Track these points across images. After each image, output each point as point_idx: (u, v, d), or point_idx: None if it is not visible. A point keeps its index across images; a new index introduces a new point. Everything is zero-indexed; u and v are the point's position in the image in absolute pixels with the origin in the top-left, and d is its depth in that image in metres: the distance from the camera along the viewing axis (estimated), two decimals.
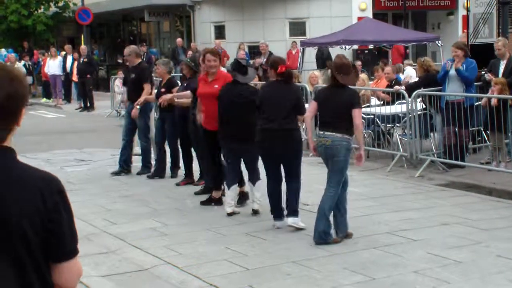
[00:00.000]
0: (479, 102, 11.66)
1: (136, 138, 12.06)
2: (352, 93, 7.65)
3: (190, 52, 24.40)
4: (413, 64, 22.39)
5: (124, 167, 11.80)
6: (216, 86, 9.03)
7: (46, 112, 24.42)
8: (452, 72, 11.43)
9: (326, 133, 7.42)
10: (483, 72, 12.30)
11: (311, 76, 15.47)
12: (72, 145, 15.58)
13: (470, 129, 11.62)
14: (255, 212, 8.73)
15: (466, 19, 15.10)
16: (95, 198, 10.08)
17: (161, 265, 6.95)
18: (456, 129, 11.24)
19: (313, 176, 10.33)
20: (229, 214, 8.68)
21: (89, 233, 8.08)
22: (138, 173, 11.71)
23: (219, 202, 9.33)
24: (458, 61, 11.39)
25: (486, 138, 12.12)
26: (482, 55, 12.75)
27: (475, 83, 11.94)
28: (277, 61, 8.31)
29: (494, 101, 10.77)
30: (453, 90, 11.45)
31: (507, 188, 10.14)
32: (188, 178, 10.82)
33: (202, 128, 9.40)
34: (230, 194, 8.77)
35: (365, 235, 7.71)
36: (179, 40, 27.66)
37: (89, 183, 11.22)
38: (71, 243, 2.54)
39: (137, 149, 13.28)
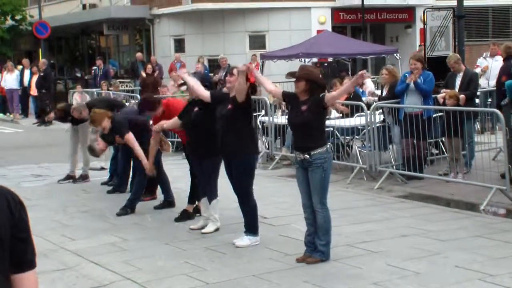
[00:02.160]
0: (437, 114, 11.79)
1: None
2: None
3: (149, 66, 24.30)
4: (372, 76, 22.62)
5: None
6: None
7: (2, 127, 24.06)
8: (411, 84, 11.51)
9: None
10: (441, 85, 12.44)
11: None
12: (29, 160, 15.36)
13: (428, 140, 11.74)
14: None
15: (423, 32, 15.28)
16: (52, 214, 9.93)
17: (120, 281, 6.86)
18: (415, 141, 11.31)
19: (273, 189, 10.34)
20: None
21: (45, 249, 7.93)
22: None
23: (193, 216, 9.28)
24: (417, 74, 11.48)
25: (444, 150, 12.25)
26: (439, 67, 12.90)
27: (433, 95, 12.06)
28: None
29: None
30: (412, 103, 11.53)
31: (465, 198, 10.26)
32: (151, 194, 10.65)
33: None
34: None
35: None
36: (139, 54, 27.49)
37: (46, 199, 11.05)
38: (33, 254, 2.66)
39: (95, 163, 13.18)
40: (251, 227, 7.96)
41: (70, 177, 12.38)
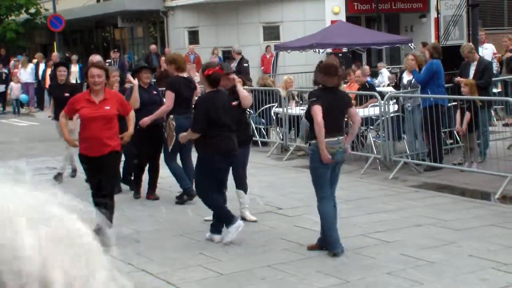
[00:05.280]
0: (451, 104, 11.73)
1: None
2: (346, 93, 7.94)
3: (163, 58, 24.33)
4: (387, 66, 22.58)
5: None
6: (108, 107, 7.85)
7: (18, 120, 24.19)
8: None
9: (340, 138, 7.26)
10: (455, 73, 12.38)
11: (286, 81, 15.45)
12: (44, 153, 15.44)
13: (443, 130, 11.69)
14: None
15: (437, 21, 15.22)
16: None
17: (135, 272, 6.89)
18: (423, 132, 11.29)
19: (288, 180, 10.34)
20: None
21: None
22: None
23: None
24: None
25: (459, 139, 12.20)
26: (453, 56, 12.84)
27: (448, 85, 12.00)
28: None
29: (467, 117, 10.84)
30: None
31: (480, 188, 10.22)
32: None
33: (81, 156, 8.13)
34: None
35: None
36: (153, 46, 27.53)
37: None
38: None
39: None
40: (212, 225, 7.89)
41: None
